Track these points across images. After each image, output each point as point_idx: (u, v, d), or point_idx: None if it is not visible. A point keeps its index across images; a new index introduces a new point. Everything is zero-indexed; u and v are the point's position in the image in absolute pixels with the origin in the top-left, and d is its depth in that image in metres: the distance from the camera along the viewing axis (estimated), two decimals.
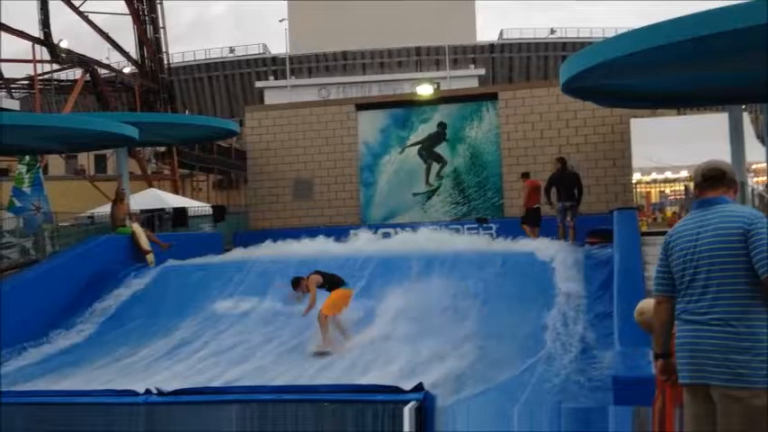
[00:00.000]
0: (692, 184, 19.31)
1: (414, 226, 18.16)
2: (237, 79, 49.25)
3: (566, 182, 14.51)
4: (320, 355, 9.82)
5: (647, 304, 4.36)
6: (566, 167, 14.79)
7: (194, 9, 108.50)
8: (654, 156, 20.47)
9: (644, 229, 16.70)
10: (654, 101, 12.51)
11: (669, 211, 22.05)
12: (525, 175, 15.78)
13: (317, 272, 10.63)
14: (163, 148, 30.16)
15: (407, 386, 5.47)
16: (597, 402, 6.98)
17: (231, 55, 50.62)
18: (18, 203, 17.81)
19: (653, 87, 10.54)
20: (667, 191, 23.54)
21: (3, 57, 31.72)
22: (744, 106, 14.33)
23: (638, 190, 21.17)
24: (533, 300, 10.53)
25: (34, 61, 29.75)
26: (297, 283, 10.62)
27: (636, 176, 20.05)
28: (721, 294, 3.57)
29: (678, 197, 22.78)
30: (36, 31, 28.09)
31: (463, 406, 7.15)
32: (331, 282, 10.57)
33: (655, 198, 23.82)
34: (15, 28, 27.74)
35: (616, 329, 8.17)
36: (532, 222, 15.08)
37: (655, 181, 22.78)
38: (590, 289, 10.82)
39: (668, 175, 21.90)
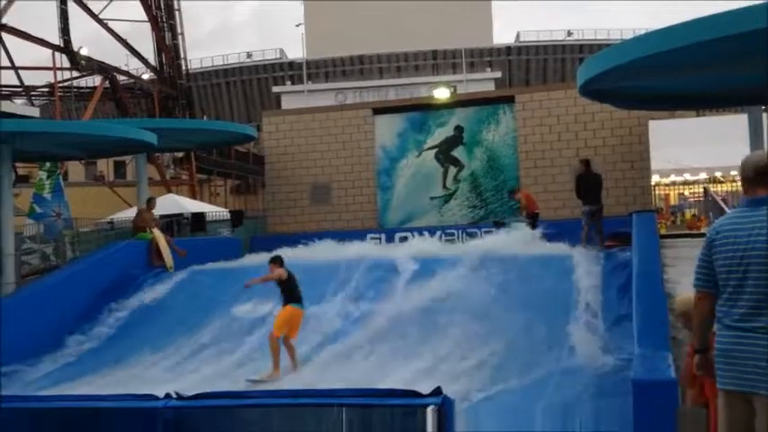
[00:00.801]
0: (711, 186, 19.18)
1: (431, 230, 18.18)
2: (255, 84, 49.51)
3: (592, 184, 14.36)
4: (253, 383, 9.21)
5: (688, 300, 4.23)
6: (590, 169, 14.65)
7: (217, 16, 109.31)
8: (672, 158, 20.33)
9: (663, 231, 16.60)
10: (673, 102, 12.41)
11: (688, 213, 21.88)
12: (513, 192, 16.65)
13: (287, 271, 10.19)
14: (181, 154, 30.36)
15: (426, 390, 5.47)
16: (617, 405, 6.94)
17: (248, 60, 50.91)
18: (39, 210, 18.03)
19: (671, 89, 10.47)
20: (686, 193, 23.36)
21: (23, 64, 32.14)
22: (764, 107, 14.17)
23: (657, 192, 21.01)
24: (552, 303, 10.48)
25: (54, 69, 30.09)
26: (274, 261, 10.28)
27: (654, 178, 19.92)
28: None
29: (697, 199, 22.62)
30: (56, 39, 28.42)
31: (482, 408, 7.16)
32: (290, 290, 10.02)
33: (674, 200, 23.65)
34: (36, 36, 28.09)
35: (635, 332, 8.12)
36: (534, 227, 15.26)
37: (674, 183, 22.61)
38: (609, 292, 10.75)
39: (687, 177, 21.73)
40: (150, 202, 16.62)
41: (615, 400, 7.20)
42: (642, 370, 6.72)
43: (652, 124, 18.16)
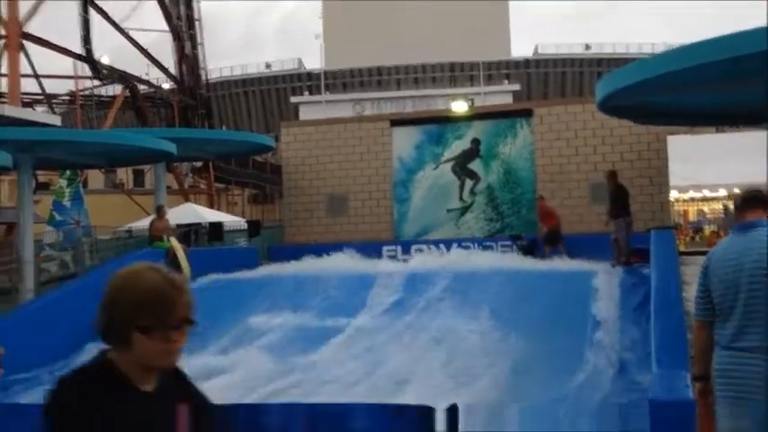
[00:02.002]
0: (731, 203, 19.06)
1: (447, 242, 18.16)
2: (273, 94, 49.79)
3: (623, 195, 14.21)
4: None
5: None
6: (618, 181, 14.47)
7: (243, 28, 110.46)
8: (691, 173, 20.18)
9: (681, 248, 16.46)
10: (692, 119, 12.38)
11: (708, 229, 21.70)
12: (540, 199, 16.46)
13: None
14: (200, 163, 30.57)
15: (441, 406, 5.45)
16: (634, 425, 6.88)
17: (267, 71, 51.22)
18: (58, 217, 18.20)
19: (690, 105, 10.44)
20: (705, 209, 23.18)
21: (45, 73, 32.51)
22: None
23: (676, 208, 20.87)
24: (570, 320, 10.43)
25: (76, 77, 30.45)
26: None
27: (673, 194, 19.79)
28: (759, 322, 3.55)
29: (716, 216, 22.44)
30: (78, 48, 28.77)
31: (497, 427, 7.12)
32: None
33: (692, 217, 23.46)
34: (58, 45, 28.43)
35: (653, 351, 8.06)
36: (556, 241, 15.15)
37: (692, 199, 22.44)
38: (627, 309, 10.69)
39: (706, 193, 21.57)
40: (160, 211, 16.50)
41: (633, 419, 7.14)
42: (660, 390, 6.66)
43: (671, 139, 18.06)
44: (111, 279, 1.91)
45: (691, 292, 10.53)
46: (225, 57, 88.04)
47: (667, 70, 7.80)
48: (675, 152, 18.40)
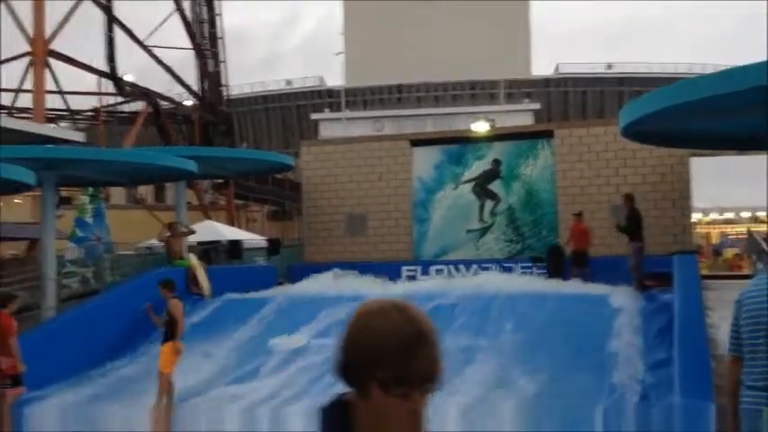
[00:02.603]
0: (754, 227, 18.80)
1: (467, 263, 18.08)
2: (294, 111, 50.07)
3: (638, 220, 14.10)
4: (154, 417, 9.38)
5: None
6: (634, 204, 14.37)
7: (266, 46, 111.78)
8: (715, 196, 20.02)
9: (704, 271, 16.28)
10: (716, 143, 12.27)
11: (730, 252, 21.45)
12: (578, 214, 15.88)
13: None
14: (220, 180, 30.75)
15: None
16: None
17: (288, 87, 51.55)
18: (80, 233, 18.35)
19: (715, 130, 10.35)
20: (729, 232, 22.94)
21: (69, 89, 32.93)
22: None
23: (698, 230, 20.67)
24: (589, 346, 10.31)
25: (99, 94, 30.81)
26: (166, 286, 10.26)
27: (695, 217, 19.61)
28: None
29: (739, 237, 22.18)
30: (102, 66, 29.13)
31: None
32: (174, 326, 9.87)
33: (715, 239, 23.22)
34: (82, 62, 28.82)
35: (677, 379, 7.95)
36: (583, 264, 14.97)
37: (715, 222, 22.23)
38: (648, 334, 10.56)
39: (730, 215, 21.36)
40: (171, 228, 16.45)
41: None
42: (685, 420, 6.57)
43: (694, 161, 17.90)
44: (356, 312, 1.61)
45: (714, 318, 10.42)
46: (248, 75, 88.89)
47: (692, 98, 7.75)
48: (699, 174, 18.26)
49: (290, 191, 32.75)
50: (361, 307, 1.61)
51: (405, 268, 18.21)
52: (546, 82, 48.79)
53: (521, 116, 40.71)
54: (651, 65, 47.95)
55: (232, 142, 33.74)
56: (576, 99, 48.05)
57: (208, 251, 18.80)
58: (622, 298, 11.94)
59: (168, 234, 16.23)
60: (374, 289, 14.56)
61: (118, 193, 34.85)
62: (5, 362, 9.65)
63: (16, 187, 14.04)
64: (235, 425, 9.34)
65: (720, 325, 10.04)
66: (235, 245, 20.05)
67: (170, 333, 9.97)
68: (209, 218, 27.72)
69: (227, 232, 22.71)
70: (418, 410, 1.54)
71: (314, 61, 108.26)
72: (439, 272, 18.02)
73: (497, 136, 20.22)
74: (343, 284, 15.08)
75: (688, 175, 17.56)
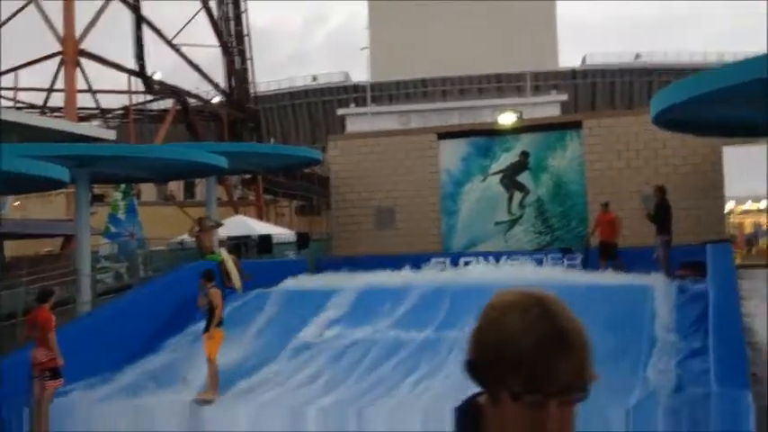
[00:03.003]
0: None
1: (496, 255, 18.04)
2: (320, 107, 50.20)
3: (668, 213, 13.94)
4: (203, 403, 10.09)
5: None
6: (665, 197, 14.23)
7: (295, 43, 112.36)
8: (748, 185, 19.72)
9: (737, 261, 16.08)
10: (751, 131, 12.10)
11: (764, 242, 21.15)
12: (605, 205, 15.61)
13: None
14: (248, 175, 30.97)
15: None
16: None
17: (314, 83, 51.69)
18: (113, 229, 18.65)
19: (749, 118, 10.21)
20: (762, 221, 22.59)
21: (100, 88, 33.36)
22: None
23: (731, 220, 20.41)
24: (624, 336, 10.25)
25: (129, 92, 31.17)
26: (207, 277, 10.81)
27: (728, 206, 19.35)
28: None
29: None
30: (131, 64, 29.47)
31: None
32: (214, 314, 10.48)
33: (749, 229, 22.90)
34: (112, 61, 29.17)
35: (713, 368, 7.90)
36: (613, 255, 14.85)
37: (748, 211, 21.91)
38: (683, 324, 10.47)
39: (763, 205, 21.03)
40: (200, 223, 16.58)
41: None
42: (721, 409, 6.52)
43: (726, 150, 17.68)
44: (489, 302, 1.35)
45: (749, 307, 10.30)
46: (277, 72, 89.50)
47: (724, 85, 7.66)
48: (731, 163, 18.01)
49: (318, 185, 32.89)
50: (496, 297, 1.35)
51: (434, 260, 18.20)
52: (573, 73, 48.32)
53: (548, 108, 40.43)
54: (680, 54, 47.30)
55: (260, 138, 33.94)
56: (604, 90, 47.54)
57: (238, 245, 18.96)
58: (655, 288, 11.83)
59: (198, 229, 16.38)
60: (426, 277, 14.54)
61: (149, 191, 35.25)
62: (45, 355, 9.88)
63: (51, 184, 14.30)
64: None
65: (756, 314, 9.95)
66: (265, 239, 20.20)
67: (211, 321, 10.49)
68: (238, 213, 27.96)
69: (257, 227, 22.89)
70: (553, 424, 1.25)
71: (340, 58, 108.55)
72: (467, 264, 17.97)
73: (525, 127, 20.16)
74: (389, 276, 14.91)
75: (720, 165, 17.35)
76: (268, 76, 48.50)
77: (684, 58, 46.50)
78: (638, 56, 48.77)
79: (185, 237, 20.82)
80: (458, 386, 9.72)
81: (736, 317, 9.02)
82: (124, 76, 30.32)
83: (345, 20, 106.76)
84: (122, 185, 19.13)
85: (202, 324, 11.08)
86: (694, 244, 15.18)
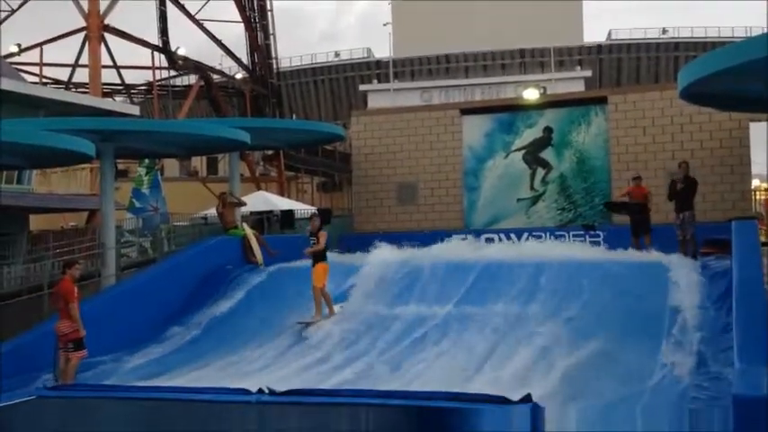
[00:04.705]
0: None
1: (518, 232, 17.98)
2: (342, 83, 50.05)
3: (692, 188, 13.62)
4: (305, 324, 11.70)
5: None
6: (688, 172, 13.93)
7: (326, 21, 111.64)
8: None
9: (762, 239, 15.87)
10: None
11: None
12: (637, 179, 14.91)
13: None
14: (270, 151, 31.05)
15: (515, 397, 5.42)
16: (716, 421, 6.71)
17: (336, 59, 51.50)
18: (137, 204, 18.81)
19: None
20: None
21: (124, 64, 33.53)
22: None
23: (757, 197, 20.12)
24: (646, 314, 10.20)
25: (153, 68, 31.28)
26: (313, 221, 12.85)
27: (754, 183, 19.09)
28: None
29: None
30: (155, 40, 29.55)
31: (574, 417, 7.06)
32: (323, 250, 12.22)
33: None
34: (137, 36, 29.27)
35: (735, 345, 7.83)
36: (647, 229, 14.31)
37: None
38: (707, 302, 10.39)
39: None
40: (222, 198, 16.63)
41: (714, 415, 6.97)
42: (744, 385, 6.47)
43: (753, 126, 17.41)
44: None
45: None
46: (309, 50, 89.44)
47: (756, 56, 7.51)
48: (758, 139, 17.76)
49: (340, 162, 32.90)
50: None
51: (455, 237, 18.14)
52: (598, 48, 47.66)
53: (572, 84, 39.99)
54: (707, 29, 46.44)
55: (282, 114, 33.99)
56: (630, 66, 46.85)
57: (261, 220, 19.06)
58: (679, 266, 11.73)
59: (222, 206, 16.47)
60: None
61: (171, 166, 35.50)
62: (68, 326, 10.02)
63: (76, 158, 14.43)
64: None
65: None
66: (287, 215, 20.29)
67: (319, 256, 12.17)
68: (260, 189, 28.07)
69: (279, 202, 22.98)
70: None
71: (370, 35, 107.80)
72: (489, 240, 17.94)
73: (549, 103, 19.98)
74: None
75: (747, 141, 17.10)
76: (302, 52, 47.95)
77: (712, 32, 45.67)
78: (664, 31, 47.94)
79: (209, 212, 20.99)
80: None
81: (760, 293, 8.91)
82: (148, 51, 30.45)
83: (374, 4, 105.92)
84: (146, 161, 19.26)
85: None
86: (720, 221, 15.02)
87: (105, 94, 30.19)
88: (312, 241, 12.40)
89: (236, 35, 34.35)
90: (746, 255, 10.39)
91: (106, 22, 27.77)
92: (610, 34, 49.50)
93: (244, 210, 18.20)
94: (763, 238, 15.22)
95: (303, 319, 11.94)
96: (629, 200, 14.80)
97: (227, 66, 37.93)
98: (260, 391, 5.99)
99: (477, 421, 5.21)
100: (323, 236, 12.35)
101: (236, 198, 17.04)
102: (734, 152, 17.07)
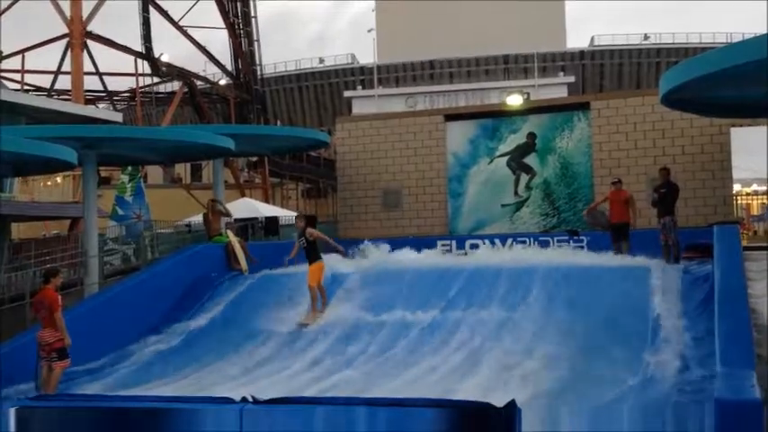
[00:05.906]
0: None
1: (502, 237, 18.03)
2: (327, 89, 50.05)
3: (674, 194, 13.61)
4: (305, 325, 11.88)
5: None
6: (670, 178, 13.89)
7: (318, 26, 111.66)
8: (756, 166, 19.63)
9: (744, 243, 16.01)
10: (761, 111, 12.00)
11: None
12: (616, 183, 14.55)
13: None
14: (255, 158, 30.97)
15: (499, 404, 5.42)
16: (698, 425, 6.74)
17: (320, 65, 51.50)
18: (120, 212, 18.72)
19: (759, 97, 10.13)
20: None
21: (106, 70, 33.35)
22: None
23: (738, 202, 20.31)
24: (629, 318, 10.25)
25: (136, 75, 31.14)
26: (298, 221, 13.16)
27: (735, 188, 19.27)
28: None
29: None
30: (138, 46, 29.42)
31: (555, 421, 7.07)
32: (316, 249, 12.55)
33: (756, 210, 22.80)
34: (119, 43, 29.12)
35: (718, 349, 7.87)
36: (626, 236, 14.32)
37: (756, 193, 21.81)
38: (689, 307, 10.45)
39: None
40: (212, 205, 16.63)
41: (697, 419, 7.00)
42: (726, 389, 6.51)
43: (734, 131, 17.59)
44: None
45: (757, 289, 10.26)
46: (297, 55, 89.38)
47: (735, 63, 7.59)
48: (739, 144, 17.92)
49: (325, 168, 32.89)
50: None
51: (440, 243, 18.20)
52: (581, 55, 48.00)
53: (555, 90, 40.24)
54: (689, 35, 46.91)
55: (266, 120, 33.93)
56: (612, 71, 47.21)
57: (245, 227, 19.00)
58: (661, 270, 11.80)
59: (211, 213, 16.43)
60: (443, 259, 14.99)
61: (155, 173, 35.32)
62: (52, 335, 9.92)
63: (59, 166, 14.32)
64: None
65: (762, 296, 9.91)
66: (272, 221, 20.25)
67: (313, 256, 12.52)
68: (245, 196, 27.98)
69: (263, 209, 22.92)
70: None
71: (359, 41, 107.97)
72: (473, 247, 17.97)
73: (532, 109, 20.09)
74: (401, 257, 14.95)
75: (728, 146, 17.26)
76: (293, 57, 47.78)
77: (694, 38, 46.13)
78: (646, 37, 48.39)
79: (192, 219, 20.90)
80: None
81: (742, 298, 8.98)
82: (131, 58, 30.30)
83: (367, 3, 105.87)
84: (129, 168, 19.16)
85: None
86: (702, 226, 15.13)
87: (88, 102, 30.01)
88: (301, 242, 12.66)
89: (221, 42, 34.35)
90: (728, 259, 10.47)
91: (89, 28, 27.63)
92: (592, 40, 49.92)
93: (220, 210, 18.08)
94: (743, 242, 15.37)
95: (302, 319, 12.19)
96: (608, 206, 14.47)
97: (212, 72, 37.86)
98: (244, 399, 5.96)
99: (460, 427, 5.21)
100: (315, 232, 12.88)
101: (223, 207, 17.00)
102: (715, 157, 17.23)
